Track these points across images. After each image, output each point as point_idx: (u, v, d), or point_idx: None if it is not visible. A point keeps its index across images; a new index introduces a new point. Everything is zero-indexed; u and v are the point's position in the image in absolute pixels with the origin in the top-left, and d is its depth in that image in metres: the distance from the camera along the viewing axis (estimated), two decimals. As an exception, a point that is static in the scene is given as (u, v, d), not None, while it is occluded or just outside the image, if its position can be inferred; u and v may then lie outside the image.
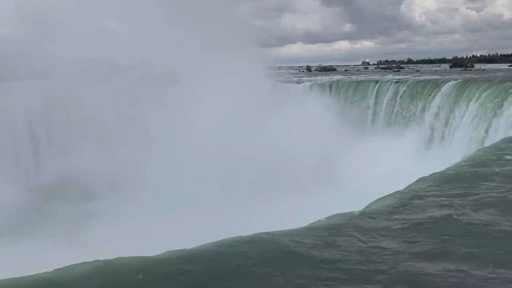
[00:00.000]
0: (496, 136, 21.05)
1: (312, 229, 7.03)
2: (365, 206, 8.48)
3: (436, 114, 30.35)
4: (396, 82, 36.62)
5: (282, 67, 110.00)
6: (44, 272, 5.32)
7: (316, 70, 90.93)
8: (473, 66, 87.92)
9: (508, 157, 11.16)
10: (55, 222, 23.15)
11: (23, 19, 29.87)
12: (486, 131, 23.54)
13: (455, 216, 7.34)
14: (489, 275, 5.44)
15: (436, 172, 10.40)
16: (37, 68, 28.68)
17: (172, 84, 32.68)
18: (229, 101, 29.75)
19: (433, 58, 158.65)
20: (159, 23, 34.87)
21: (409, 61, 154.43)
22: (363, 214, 7.75)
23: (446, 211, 7.60)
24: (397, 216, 7.54)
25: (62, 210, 24.41)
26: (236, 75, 31.78)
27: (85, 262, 5.48)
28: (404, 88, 34.96)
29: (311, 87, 41.49)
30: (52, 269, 5.34)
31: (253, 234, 6.50)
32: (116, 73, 33.58)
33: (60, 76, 29.64)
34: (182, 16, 35.41)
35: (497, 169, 9.97)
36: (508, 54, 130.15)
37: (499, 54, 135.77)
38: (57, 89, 29.56)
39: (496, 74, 41.12)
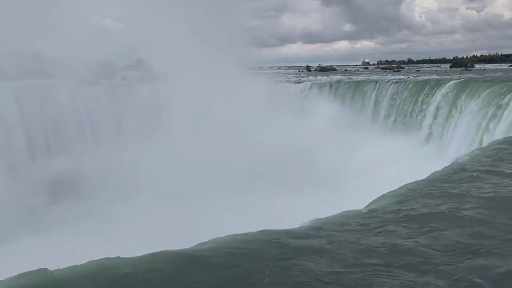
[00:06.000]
0: (495, 136, 21.01)
1: (310, 228, 7.01)
2: (364, 205, 8.48)
3: (435, 114, 30.34)
4: (396, 82, 36.61)
5: (281, 67, 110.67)
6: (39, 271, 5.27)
7: (316, 70, 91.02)
8: (473, 66, 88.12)
9: (500, 159, 11.15)
10: (50, 221, 23.11)
11: (20, 18, 29.74)
12: (485, 131, 23.50)
13: (455, 214, 7.35)
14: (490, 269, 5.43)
15: (434, 172, 10.40)
16: (33, 67, 28.62)
17: (168, 84, 32.69)
18: (227, 101, 29.80)
19: (433, 58, 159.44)
20: (156, 22, 34.88)
21: (409, 61, 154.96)
22: (361, 213, 7.75)
23: (446, 209, 7.61)
24: (395, 216, 7.52)
25: (58, 209, 24.38)
26: (231, 75, 31.85)
27: (85, 262, 5.44)
28: (404, 88, 34.95)
29: (310, 87, 41.50)
30: (45, 269, 5.29)
31: (249, 232, 6.48)
32: (113, 72, 33.55)
33: (56, 76, 29.60)
34: (179, 16, 35.45)
35: (489, 170, 10.00)
36: (508, 54, 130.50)
37: (500, 54, 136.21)
38: (53, 89, 29.50)
39: (496, 74, 41.14)
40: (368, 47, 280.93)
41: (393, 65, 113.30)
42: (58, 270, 5.20)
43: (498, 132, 21.26)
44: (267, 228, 6.74)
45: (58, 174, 26.28)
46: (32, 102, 27.57)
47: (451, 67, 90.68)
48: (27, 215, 22.90)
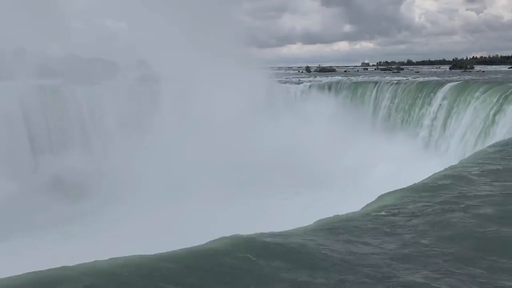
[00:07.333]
0: (495, 137, 21.04)
1: (309, 230, 7.00)
2: (362, 205, 8.48)
3: (434, 116, 30.37)
4: (395, 84, 36.63)
5: (281, 67, 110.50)
6: (38, 271, 5.25)
7: (315, 70, 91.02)
8: (473, 68, 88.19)
9: (502, 159, 11.17)
10: (49, 220, 23.12)
11: (22, 18, 29.83)
12: (485, 132, 23.53)
13: (457, 215, 7.36)
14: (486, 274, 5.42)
15: (434, 173, 10.41)
16: (36, 67, 28.69)
17: (168, 84, 32.69)
18: (225, 101, 29.80)
19: (433, 60, 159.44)
20: (157, 22, 34.92)
21: (409, 62, 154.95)
22: (360, 214, 7.75)
23: (447, 209, 7.63)
24: (394, 216, 7.53)
25: (57, 208, 24.38)
26: (230, 75, 31.87)
27: (81, 263, 5.42)
28: (403, 89, 34.97)
29: (310, 87, 41.46)
30: (45, 268, 5.27)
31: (248, 234, 6.47)
32: (114, 72, 33.53)
33: (58, 75, 29.66)
34: (180, 15, 35.49)
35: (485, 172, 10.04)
36: (508, 56, 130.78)
37: (499, 56, 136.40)
38: (55, 88, 29.56)
39: (496, 76, 41.20)
40: (368, 48, 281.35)
41: (393, 66, 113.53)
42: (66, 267, 5.18)
43: (498, 133, 21.30)
44: (272, 229, 6.71)
45: (59, 173, 26.32)
46: (34, 101, 27.66)
47: (450, 68, 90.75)
48: (26, 215, 22.90)
